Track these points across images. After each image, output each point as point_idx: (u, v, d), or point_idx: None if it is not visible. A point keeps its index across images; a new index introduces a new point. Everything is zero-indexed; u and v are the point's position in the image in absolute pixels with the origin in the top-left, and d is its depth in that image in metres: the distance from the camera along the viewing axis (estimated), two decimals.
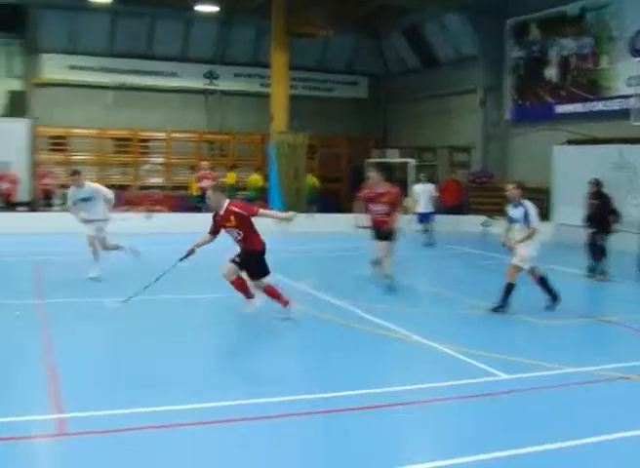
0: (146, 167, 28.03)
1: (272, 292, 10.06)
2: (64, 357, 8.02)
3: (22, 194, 24.16)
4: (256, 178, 26.83)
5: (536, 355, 8.30)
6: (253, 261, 9.84)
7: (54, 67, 26.65)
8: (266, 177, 26.11)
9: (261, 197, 25.98)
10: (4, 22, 25.12)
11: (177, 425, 6.04)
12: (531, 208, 10.76)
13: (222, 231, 9.89)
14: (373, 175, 13.21)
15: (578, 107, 22.74)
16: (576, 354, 8.81)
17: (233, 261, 9.87)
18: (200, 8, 25.78)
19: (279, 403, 6.62)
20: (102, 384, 7.19)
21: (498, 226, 12.00)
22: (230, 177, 26.75)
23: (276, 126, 25.00)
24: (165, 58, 28.27)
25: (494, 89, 26.03)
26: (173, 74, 28.48)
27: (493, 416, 6.54)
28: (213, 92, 29.35)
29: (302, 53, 27.22)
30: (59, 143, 27.28)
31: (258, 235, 9.91)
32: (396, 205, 12.93)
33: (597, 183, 14.85)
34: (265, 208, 18.27)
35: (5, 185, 23.60)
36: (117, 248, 13.34)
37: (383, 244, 12.70)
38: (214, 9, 25.73)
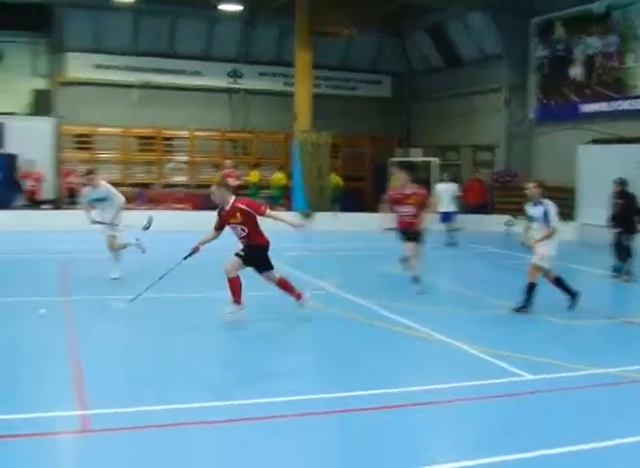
0: (171, 165, 28.16)
1: (285, 285, 10.01)
2: (89, 354, 8.08)
3: (47, 192, 24.38)
4: (279, 177, 26.88)
5: (560, 355, 8.23)
6: (257, 255, 9.70)
7: (78, 66, 26.86)
8: (289, 176, 26.15)
9: (285, 195, 26.07)
10: (30, 22, 25.33)
11: (203, 422, 6.05)
12: (551, 207, 10.67)
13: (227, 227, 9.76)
14: (400, 176, 13.04)
15: (603, 106, 22.59)
16: (600, 355, 8.71)
17: (238, 255, 9.67)
18: (224, 7, 25.89)
19: (299, 401, 6.61)
20: (127, 381, 7.23)
21: (521, 226, 11.91)
22: (254, 176, 26.86)
23: (300, 125, 25.03)
24: (188, 57, 28.42)
25: (518, 88, 25.91)
26: (196, 73, 28.62)
27: (518, 417, 6.48)
28: (237, 90, 29.43)
29: (326, 52, 27.24)
30: (83, 142, 27.49)
31: (262, 233, 9.76)
32: (424, 206, 12.76)
33: (622, 183, 14.70)
34: (275, 208, 18.14)
35: (30, 183, 23.82)
36: (124, 247, 13.28)
37: (411, 245, 12.55)
38: (237, 8, 25.83)
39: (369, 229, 15.56)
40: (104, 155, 27.51)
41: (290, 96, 25.97)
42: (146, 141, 28.41)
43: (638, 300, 13.27)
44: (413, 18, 28.48)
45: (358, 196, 28.32)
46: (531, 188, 10.88)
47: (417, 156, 28.37)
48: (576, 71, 23.63)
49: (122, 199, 13.29)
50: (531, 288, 10.69)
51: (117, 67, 27.45)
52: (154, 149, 28.32)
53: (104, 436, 5.77)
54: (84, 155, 26.99)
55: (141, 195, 25.23)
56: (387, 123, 30.88)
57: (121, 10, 26.29)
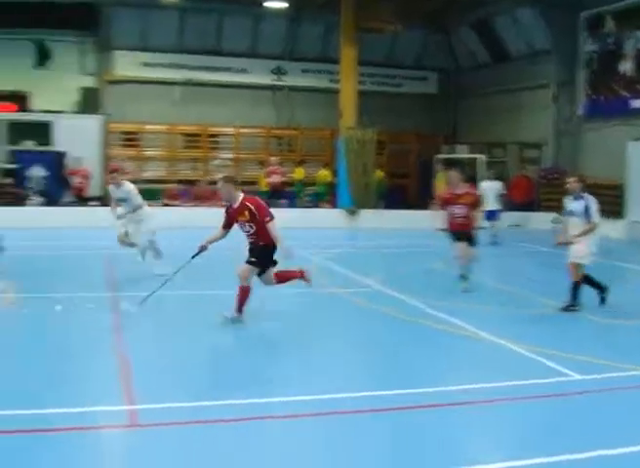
0: (217, 162, 28.28)
1: (283, 275, 9.88)
2: (136, 349, 8.14)
3: (94, 189, 24.64)
4: (324, 174, 26.88)
5: (606, 355, 8.07)
6: (264, 254, 9.49)
7: (126, 64, 27.11)
8: (335, 173, 26.13)
9: (330, 192, 26.07)
10: (78, 21, 25.64)
11: (244, 419, 6.05)
12: (592, 202, 10.46)
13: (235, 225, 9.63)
14: (451, 175, 12.80)
15: None
16: None
17: (249, 262, 9.48)
18: (269, 4, 25.99)
19: (344, 399, 6.59)
20: (175, 376, 7.25)
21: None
22: (299, 173, 26.92)
23: (345, 121, 24.99)
24: (234, 55, 28.51)
25: (567, 83, 25.53)
26: (242, 70, 28.70)
27: (566, 417, 6.36)
28: (281, 87, 29.47)
29: (371, 48, 27.11)
30: (130, 139, 27.74)
31: (269, 232, 9.48)
32: (476, 206, 12.51)
33: None
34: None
35: (77, 180, 24.12)
36: (133, 245, 13.35)
37: (463, 245, 12.31)
38: (283, 5, 25.90)
39: (413, 226, 15.49)
40: (151, 152, 27.74)
41: (335, 92, 25.93)
42: (192, 138, 28.55)
43: None
44: (457, 13, 28.22)
45: (403, 193, 28.19)
46: (571, 183, 10.67)
47: (463, 153, 28.10)
48: (626, 66, 23.20)
49: (141, 202, 13.36)
50: (576, 286, 10.53)
51: (163, 65, 27.64)
52: (200, 146, 28.47)
53: (153, 431, 5.82)
54: (131, 152, 27.28)
55: (187, 192, 25.40)
56: (433, 119, 30.65)
57: (167, 8, 26.51)
